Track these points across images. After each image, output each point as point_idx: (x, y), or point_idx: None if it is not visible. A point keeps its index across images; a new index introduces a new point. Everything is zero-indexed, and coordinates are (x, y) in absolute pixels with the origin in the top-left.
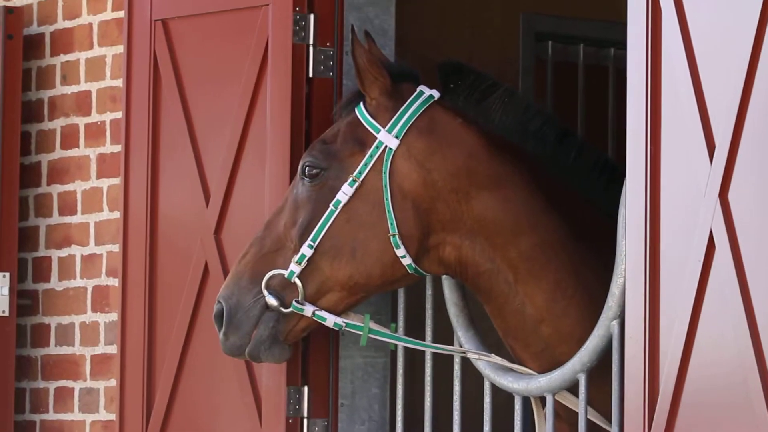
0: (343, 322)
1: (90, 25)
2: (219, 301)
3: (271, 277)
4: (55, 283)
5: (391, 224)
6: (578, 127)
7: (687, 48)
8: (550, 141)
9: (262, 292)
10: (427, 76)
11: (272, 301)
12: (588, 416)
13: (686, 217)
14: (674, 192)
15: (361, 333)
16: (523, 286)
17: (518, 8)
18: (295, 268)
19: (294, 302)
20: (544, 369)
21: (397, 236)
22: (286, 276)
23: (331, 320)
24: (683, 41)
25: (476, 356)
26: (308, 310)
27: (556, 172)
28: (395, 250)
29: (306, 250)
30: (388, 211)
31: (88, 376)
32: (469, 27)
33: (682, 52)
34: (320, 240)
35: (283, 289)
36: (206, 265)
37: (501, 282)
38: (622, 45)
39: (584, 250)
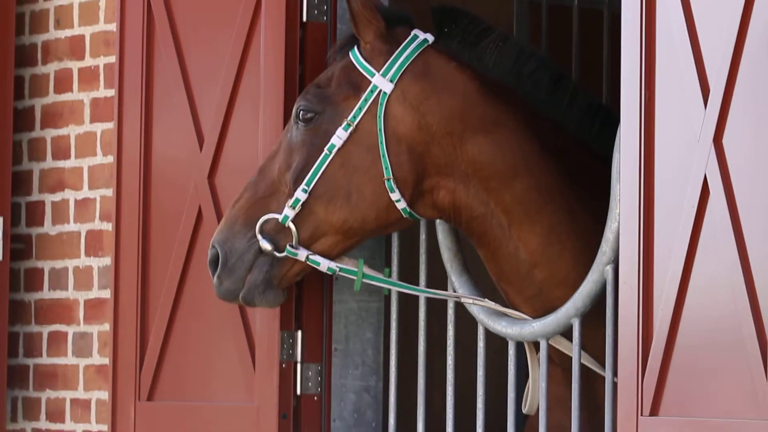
0: (337, 266)
1: None
2: (213, 246)
3: (265, 222)
4: (48, 228)
5: (386, 168)
6: (573, 71)
7: None
8: (545, 84)
9: (256, 236)
10: (421, 20)
11: (266, 245)
12: (582, 361)
13: (680, 162)
14: (668, 137)
15: (355, 277)
16: (517, 230)
17: None
18: (289, 212)
19: (288, 246)
20: (538, 314)
21: (391, 180)
22: (280, 220)
23: (324, 264)
24: None
25: (470, 301)
26: (302, 254)
27: (551, 115)
28: (390, 194)
29: (300, 194)
30: (383, 155)
31: (81, 321)
32: None
33: None
34: (315, 184)
35: (277, 233)
36: (200, 209)
37: (495, 226)
38: None
39: (578, 195)
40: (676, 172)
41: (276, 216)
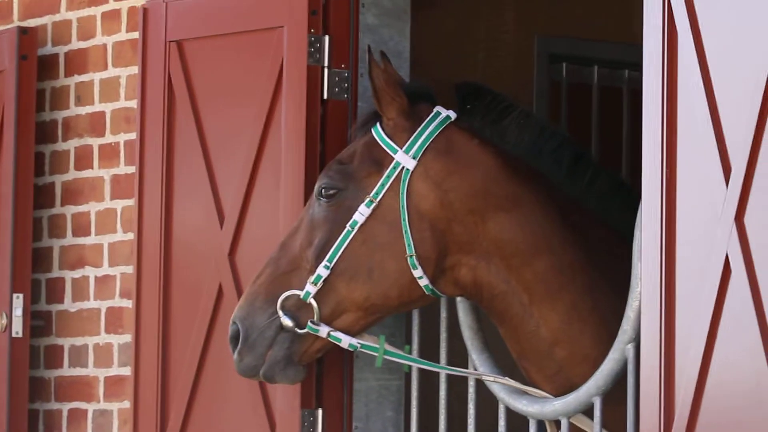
0: (359, 343)
1: (104, 45)
2: (234, 322)
3: (286, 298)
4: (68, 305)
5: (408, 245)
6: (592, 149)
7: (703, 69)
8: (566, 162)
9: (277, 312)
10: (442, 97)
11: (287, 321)
12: None
13: (702, 241)
14: (690, 215)
15: (376, 354)
16: (538, 308)
17: (533, 30)
18: (310, 288)
19: (309, 323)
20: (559, 391)
21: (414, 257)
22: (301, 296)
23: (346, 341)
24: (699, 63)
25: (491, 379)
26: (323, 330)
27: (571, 193)
28: (412, 270)
29: (322, 271)
30: (406, 232)
31: (101, 398)
32: (484, 49)
33: (698, 74)
34: (337, 260)
35: (298, 309)
36: (220, 286)
37: (516, 304)
38: (636, 67)
39: (598, 272)
40: (697, 251)
41: (297, 292)
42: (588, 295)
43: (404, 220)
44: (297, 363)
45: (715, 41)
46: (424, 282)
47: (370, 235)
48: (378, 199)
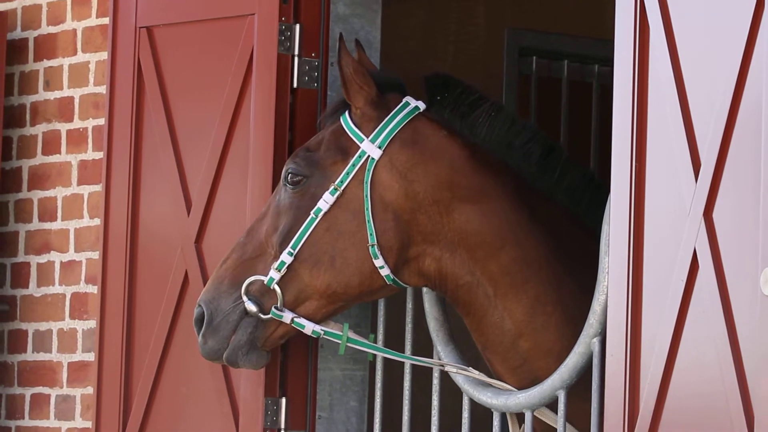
0: (322, 329)
1: (74, 30)
2: (199, 305)
3: (250, 283)
4: (33, 289)
5: (371, 234)
6: (561, 143)
7: (674, 66)
8: (535, 156)
9: (241, 297)
10: (412, 88)
11: (251, 306)
12: None
13: (670, 236)
14: (658, 210)
15: (339, 342)
16: (502, 300)
17: (503, 23)
18: (274, 274)
19: (273, 308)
20: (522, 384)
21: (375, 246)
22: (265, 282)
23: (309, 327)
24: (670, 59)
25: (455, 370)
26: (287, 316)
27: (540, 187)
28: (374, 260)
29: (285, 257)
30: (368, 221)
31: (64, 383)
32: (454, 41)
33: (669, 70)
34: (300, 247)
35: (262, 295)
36: (186, 274)
37: (480, 295)
38: (606, 62)
39: (564, 266)
40: (665, 246)
41: (261, 278)
42: (553, 289)
43: (367, 209)
44: (260, 348)
45: (687, 37)
46: (385, 272)
47: (333, 223)
48: (342, 188)
